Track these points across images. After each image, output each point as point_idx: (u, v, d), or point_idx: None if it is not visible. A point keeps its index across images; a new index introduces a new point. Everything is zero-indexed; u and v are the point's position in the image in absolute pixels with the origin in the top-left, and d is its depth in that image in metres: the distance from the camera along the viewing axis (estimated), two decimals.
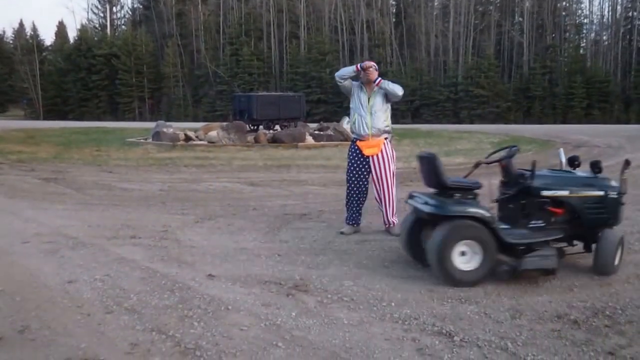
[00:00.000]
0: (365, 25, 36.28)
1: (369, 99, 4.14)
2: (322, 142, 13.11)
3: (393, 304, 2.72)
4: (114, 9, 45.28)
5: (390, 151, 4.22)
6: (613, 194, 3.19)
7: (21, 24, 50.78)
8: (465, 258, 2.94)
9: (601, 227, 3.20)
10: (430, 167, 3.12)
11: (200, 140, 13.41)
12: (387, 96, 4.15)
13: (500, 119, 31.06)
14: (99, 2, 44.61)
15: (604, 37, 36.65)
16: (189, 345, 2.25)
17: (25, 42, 44.10)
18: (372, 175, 4.17)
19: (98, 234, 4.15)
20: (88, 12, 58.67)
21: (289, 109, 16.23)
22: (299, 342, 2.28)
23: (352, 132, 4.31)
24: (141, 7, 44.12)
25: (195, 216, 4.90)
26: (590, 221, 3.18)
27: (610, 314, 2.58)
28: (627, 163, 3.29)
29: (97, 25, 44.97)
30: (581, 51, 36.02)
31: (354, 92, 4.20)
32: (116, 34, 42.87)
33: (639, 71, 32.79)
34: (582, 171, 3.40)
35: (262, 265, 3.37)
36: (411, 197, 3.31)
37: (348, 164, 4.26)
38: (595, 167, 3.26)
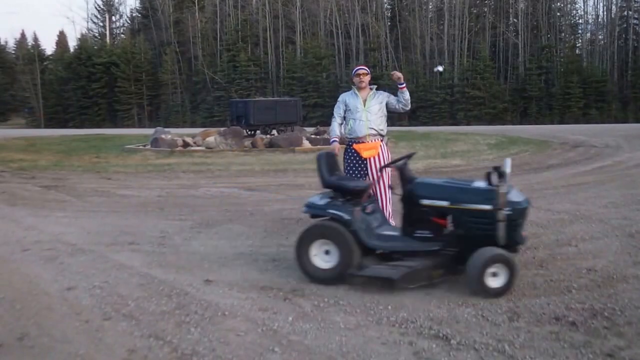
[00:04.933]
0: (360, 29, 36.44)
1: (364, 102, 4.16)
2: (318, 146, 13.14)
3: (389, 307, 2.72)
4: (113, 18, 45.53)
5: (387, 153, 4.24)
6: (496, 208, 2.80)
7: (23, 34, 51.15)
8: (328, 257, 3.03)
9: (486, 245, 2.82)
10: (317, 168, 3.24)
11: (198, 146, 13.43)
12: (388, 105, 4.15)
13: (497, 120, 31.14)
14: (98, 11, 44.86)
15: (600, 37, 36.83)
16: (186, 351, 2.26)
17: (27, 52, 44.37)
18: (369, 178, 4.18)
19: (97, 241, 4.16)
20: (88, 22, 58.97)
21: (285, 114, 16.27)
22: (296, 347, 2.29)
23: (348, 136, 4.32)
24: (139, 15, 44.33)
25: (193, 222, 4.90)
26: (475, 237, 2.86)
27: (609, 315, 2.57)
28: (500, 174, 2.85)
29: (96, 35, 45.20)
30: (577, 51, 36.17)
31: (348, 102, 4.21)
32: (115, 42, 43.08)
33: (635, 70, 32.92)
34: (480, 181, 3.10)
35: (259, 270, 3.38)
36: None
37: (345, 168, 4.26)
38: (489, 177, 2.92)
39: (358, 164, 4.16)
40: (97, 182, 7.91)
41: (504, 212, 2.80)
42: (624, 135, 15.82)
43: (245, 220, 4.99)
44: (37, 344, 2.34)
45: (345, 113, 4.25)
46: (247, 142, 13.41)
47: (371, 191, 4.17)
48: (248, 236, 4.31)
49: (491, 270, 2.78)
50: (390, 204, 4.20)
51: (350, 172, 4.20)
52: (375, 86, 4.29)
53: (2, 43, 49.88)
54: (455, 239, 2.97)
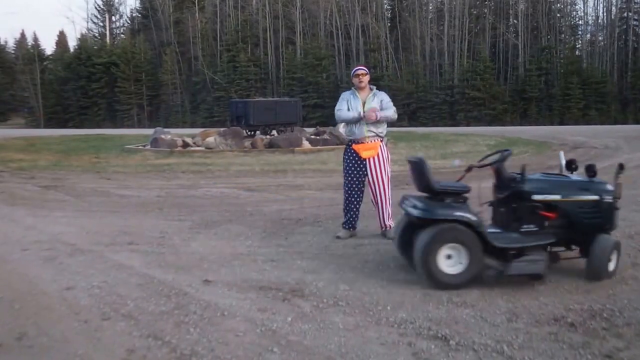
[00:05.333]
0: (360, 30, 36.48)
1: (363, 104, 4.16)
2: (318, 147, 13.16)
3: (389, 308, 2.73)
4: (113, 18, 45.55)
5: (386, 154, 4.24)
6: (608, 199, 3.13)
7: (23, 34, 51.23)
8: (451, 261, 2.95)
9: (596, 232, 3.12)
10: (419, 171, 3.14)
11: (198, 146, 13.44)
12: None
13: (496, 121, 31.16)
14: (98, 11, 44.88)
15: (600, 38, 36.87)
16: (184, 351, 2.26)
17: (27, 51, 44.46)
18: (368, 178, 4.18)
19: (96, 241, 4.17)
20: (88, 22, 58.97)
21: (285, 114, 16.28)
22: (295, 347, 2.29)
23: (348, 136, 4.32)
24: (139, 16, 44.34)
25: (192, 222, 4.91)
26: (584, 226, 3.11)
27: (607, 316, 2.57)
28: (620, 167, 3.21)
29: (96, 35, 45.22)
30: (577, 52, 36.23)
31: (348, 101, 4.20)
32: (115, 42, 43.12)
33: (635, 71, 32.98)
34: (577, 175, 3.36)
35: (258, 271, 3.38)
36: (404, 200, 3.32)
37: (344, 168, 4.27)
38: (590, 170, 3.20)
39: (357, 164, 4.17)
40: (96, 182, 7.91)
41: (613, 201, 3.13)
42: (623, 137, 15.85)
43: (245, 220, 4.99)
44: (36, 343, 2.34)
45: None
46: (247, 143, 13.42)
47: (371, 194, 4.18)
48: (247, 236, 4.31)
49: (613, 255, 3.10)
50: (390, 205, 4.20)
51: (350, 172, 4.20)
52: (375, 87, 4.29)
53: (2, 43, 50.02)
54: (562, 229, 3.13)
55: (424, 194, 3.21)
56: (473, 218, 2.95)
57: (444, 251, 2.92)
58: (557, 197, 3.09)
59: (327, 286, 3.06)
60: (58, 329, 2.49)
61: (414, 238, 3.22)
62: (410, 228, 3.25)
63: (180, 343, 2.33)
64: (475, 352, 2.22)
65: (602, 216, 3.13)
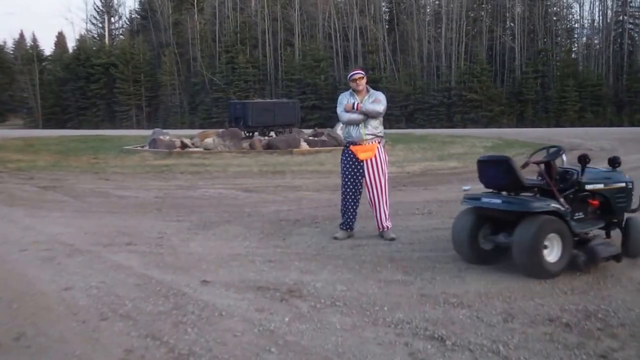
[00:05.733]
0: (358, 32, 36.57)
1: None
2: (316, 148, 13.17)
3: (386, 308, 2.74)
4: (112, 19, 45.48)
5: (384, 155, 4.26)
6: (630, 185, 3.62)
7: (21, 35, 51.01)
8: (547, 251, 3.12)
9: (622, 214, 3.59)
10: (504, 169, 3.27)
11: (197, 147, 13.43)
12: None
13: (493, 122, 31.25)
14: (97, 12, 44.78)
15: (596, 41, 37.09)
16: (182, 351, 2.27)
17: (26, 52, 44.29)
18: (366, 179, 4.20)
19: (94, 241, 4.17)
20: (87, 23, 58.82)
21: (283, 116, 16.27)
22: (292, 348, 2.30)
23: (345, 138, 4.35)
24: (138, 17, 44.27)
25: (190, 223, 4.92)
26: (615, 209, 3.56)
27: (602, 316, 2.59)
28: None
29: (95, 35, 45.12)
30: (573, 55, 36.43)
31: (349, 102, 4.23)
32: (114, 43, 43.02)
33: (630, 74, 33.18)
34: (601, 167, 3.78)
35: (256, 271, 3.39)
36: (474, 198, 3.42)
37: (342, 169, 4.29)
38: (615, 162, 3.66)
39: (355, 165, 4.19)
40: (95, 183, 7.90)
41: (632, 186, 3.62)
42: (619, 139, 15.95)
43: (243, 221, 5.00)
44: (34, 344, 2.35)
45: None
46: (245, 144, 13.42)
47: (368, 195, 4.21)
48: (245, 237, 4.32)
49: None
50: (387, 206, 4.23)
51: (347, 173, 4.22)
52: (371, 88, 4.32)
53: (1, 43, 49.76)
54: (599, 214, 3.56)
55: (491, 190, 3.39)
56: (562, 209, 3.19)
57: (545, 242, 3.10)
58: (601, 186, 3.50)
59: (325, 287, 3.07)
60: (56, 329, 2.49)
61: (480, 233, 3.40)
62: (479, 223, 3.41)
63: (178, 343, 2.34)
64: (472, 352, 2.24)
65: (627, 200, 3.61)
